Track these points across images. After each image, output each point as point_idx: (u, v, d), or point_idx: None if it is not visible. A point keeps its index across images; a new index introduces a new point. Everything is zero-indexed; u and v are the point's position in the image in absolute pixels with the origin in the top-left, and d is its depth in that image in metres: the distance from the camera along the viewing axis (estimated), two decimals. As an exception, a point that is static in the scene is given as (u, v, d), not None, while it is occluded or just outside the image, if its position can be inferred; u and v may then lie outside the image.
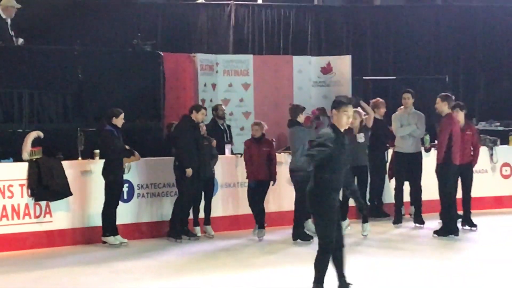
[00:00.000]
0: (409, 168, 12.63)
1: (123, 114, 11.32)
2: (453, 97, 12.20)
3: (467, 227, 12.38)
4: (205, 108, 12.17)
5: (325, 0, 19.08)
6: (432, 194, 12.37)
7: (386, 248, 11.07)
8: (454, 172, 11.72)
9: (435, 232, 11.75)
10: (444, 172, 11.60)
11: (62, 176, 10.98)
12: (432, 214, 12.63)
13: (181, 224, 11.66)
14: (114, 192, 11.14)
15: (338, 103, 7.61)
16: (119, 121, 11.27)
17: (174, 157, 11.67)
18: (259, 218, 11.71)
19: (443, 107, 11.66)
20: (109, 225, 11.15)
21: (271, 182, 11.72)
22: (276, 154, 12.15)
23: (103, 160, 11.24)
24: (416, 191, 12.67)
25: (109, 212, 11.11)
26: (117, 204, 11.21)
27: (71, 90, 12.73)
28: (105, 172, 11.13)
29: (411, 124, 12.57)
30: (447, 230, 11.63)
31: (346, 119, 7.56)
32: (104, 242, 11.16)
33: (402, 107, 12.97)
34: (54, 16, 16.00)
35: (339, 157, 7.50)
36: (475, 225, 12.43)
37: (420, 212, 12.68)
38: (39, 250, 10.82)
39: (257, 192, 11.73)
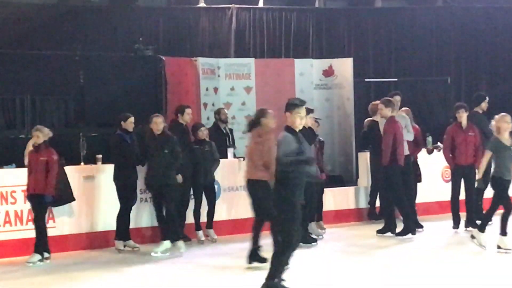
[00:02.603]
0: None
1: (132, 118, 11.26)
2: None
3: (470, 229, 12.34)
4: (189, 107, 11.91)
5: (326, 3, 19.06)
6: (432, 197, 12.33)
7: (375, 251, 11.08)
8: (400, 174, 11.83)
9: (378, 231, 11.98)
10: (390, 174, 11.80)
11: (64, 182, 10.96)
12: (430, 217, 12.59)
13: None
14: (124, 197, 11.12)
15: (291, 106, 7.91)
16: (128, 125, 11.23)
17: None
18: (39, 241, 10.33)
19: (386, 112, 11.88)
20: (118, 230, 11.16)
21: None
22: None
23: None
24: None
25: (121, 217, 11.11)
26: (129, 210, 11.19)
27: (73, 95, 12.76)
28: (114, 177, 11.14)
29: None
30: (392, 228, 11.86)
31: (299, 120, 7.89)
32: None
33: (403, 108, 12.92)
34: (55, 22, 16.00)
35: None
36: (478, 227, 12.39)
37: (415, 215, 12.52)
38: (42, 255, 10.81)
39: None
